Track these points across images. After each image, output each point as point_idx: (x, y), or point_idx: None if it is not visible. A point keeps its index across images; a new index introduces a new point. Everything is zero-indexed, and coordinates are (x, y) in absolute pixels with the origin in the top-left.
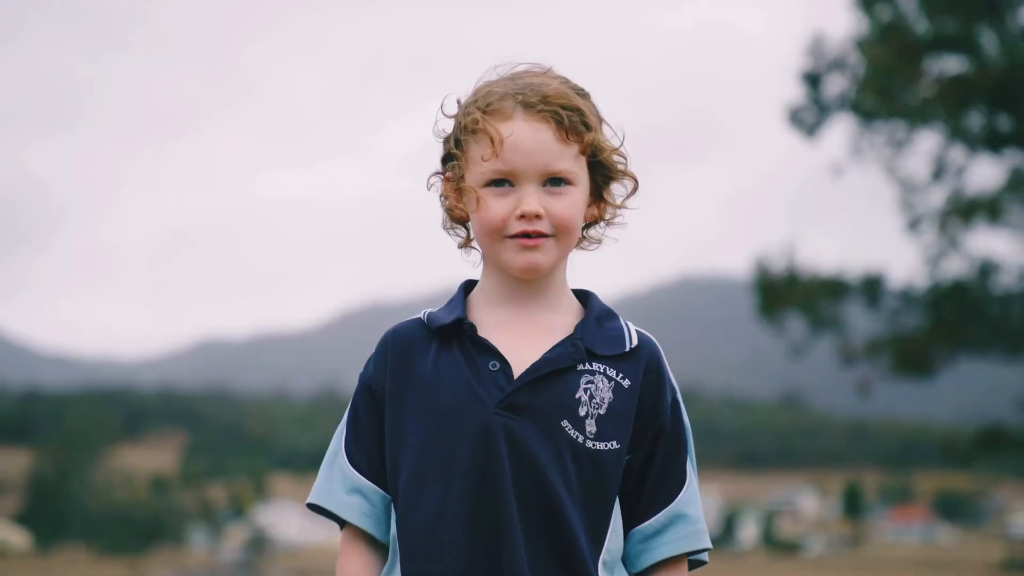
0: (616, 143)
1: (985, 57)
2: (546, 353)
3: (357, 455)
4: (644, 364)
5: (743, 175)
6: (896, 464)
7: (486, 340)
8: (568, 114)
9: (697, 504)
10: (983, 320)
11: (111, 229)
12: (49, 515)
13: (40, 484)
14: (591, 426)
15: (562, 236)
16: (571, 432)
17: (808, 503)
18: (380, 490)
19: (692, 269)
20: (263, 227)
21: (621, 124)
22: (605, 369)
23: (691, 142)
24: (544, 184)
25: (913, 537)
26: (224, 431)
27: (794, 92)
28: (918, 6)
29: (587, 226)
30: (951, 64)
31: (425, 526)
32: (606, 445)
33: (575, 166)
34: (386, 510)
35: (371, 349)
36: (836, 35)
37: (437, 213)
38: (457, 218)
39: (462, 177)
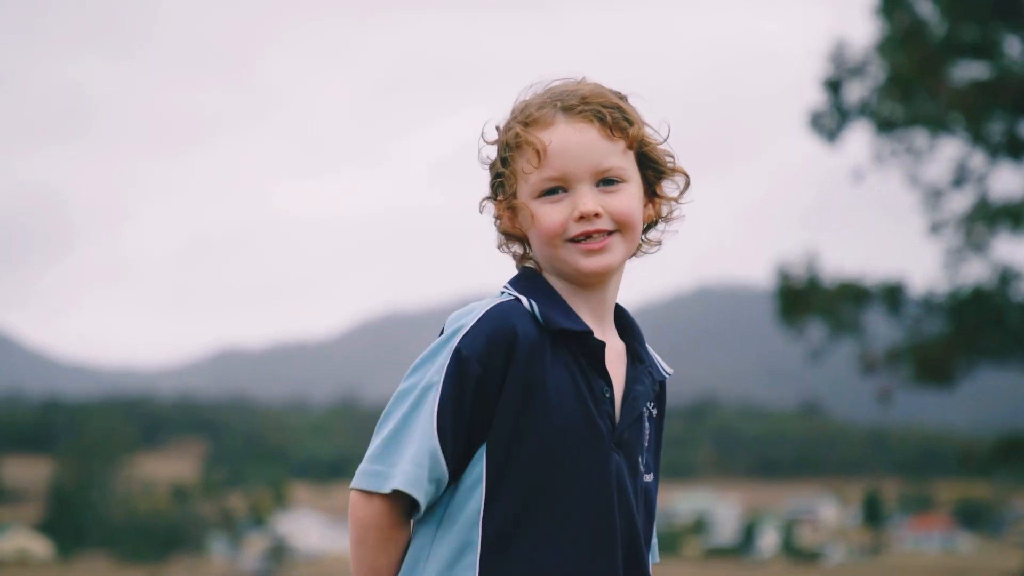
0: (662, 142)
1: (1006, 64)
2: (635, 384)
3: (452, 445)
4: (662, 393)
5: (763, 183)
6: (916, 473)
7: (603, 364)
8: (610, 111)
9: None
10: (1004, 328)
11: (131, 239)
12: (70, 524)
13: (61, 493)
14: (643, 459)
15: (625, 231)
16: (641, 466)
17: (828, 512)
18: (447, 477)
19: (711, 278)
20: (282, 237)
21: (665, 119)
22: (649, 405)
23: (710, 150)
24: (597, 185)
25: (933, 545)
26: (243, 440)
27: (815, 99)
28: (938, 12)
29: (646, 228)
30: (972, 71)
31: (529, 548)
32: (650, 477)
33: (625, 162)
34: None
35: (389, 358)
36: (858, 42)
37: (452, 224)
38: (513, 237)
39: (513, 195)
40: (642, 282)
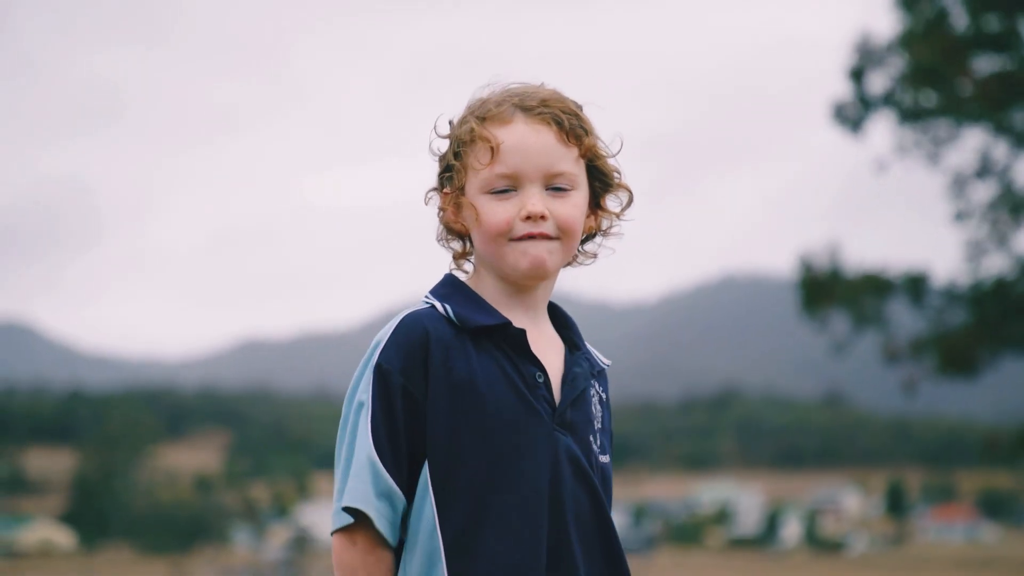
0: (612, 156)
1: None
2: (573, 367)
3: (392, 458)
4: (607, 378)
5: (789, 174)
6: (939, 462)
7: (532, 351)
8: (568, 117)
9: None
10: None
11: (156, 230)
12: (93, 515)
13: (84, 484)
14: (596, 440)
15: (566, 240)
16: (595, 447)
17: (851, 501)
18: (403, 498)
19: (735, 268)
20: (306, 228)
21: (618, 133)
22: (596, 385)
23: (736, 141)
24: (547, 188)
25: (956, 535)
26: (266, 431)
27: (839, 89)
28: (960, 3)
29: (584, 240)
30: (995, 62)
31: (505, 540)
32: (606, 459)
33: (576, 170)
34: (399, 516)
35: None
36: (882, 33)
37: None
38: (454, 232)
39: (461, 189)
40: (667, 272)
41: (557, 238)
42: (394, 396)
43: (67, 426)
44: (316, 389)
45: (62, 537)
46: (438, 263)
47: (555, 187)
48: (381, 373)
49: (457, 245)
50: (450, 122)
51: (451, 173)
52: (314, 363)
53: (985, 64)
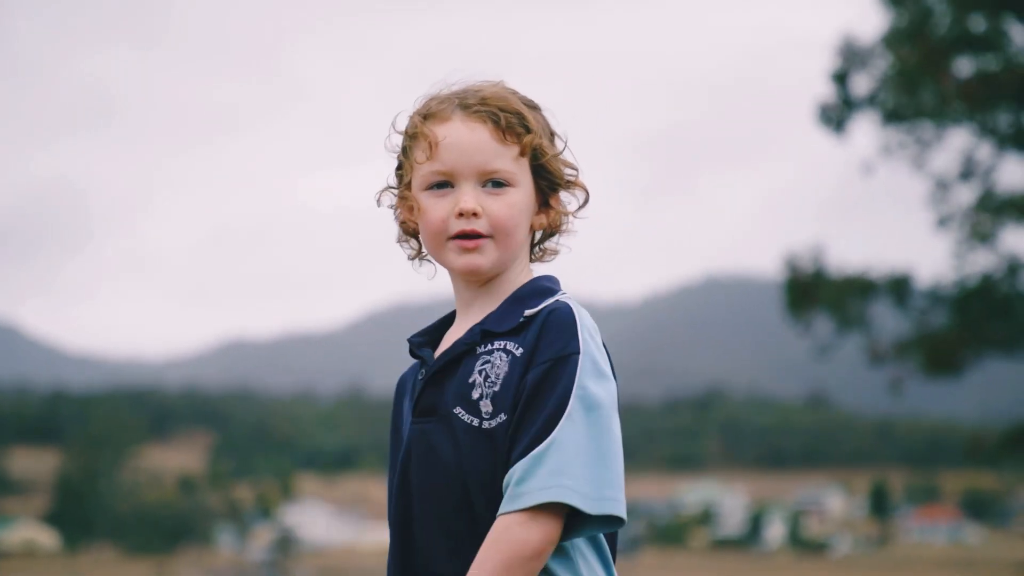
0: (565, 155)
1: (1013, 55)
2: (454, 343)
3: None
4: (537, 329)
5: (774, 176)
6: (922, 463)
7: (418, 350)
8: (506, 116)
9: (542, 469)
10: (1011, 319)
11: (147, 232)
12: (77, 515)
13: (68, 484)
14: (487, 406)
15: (500, 237)
16: (465, 418)
17: (834, 503)
18: None
19: (719, 269)
20: (297, 230)
21: (564, 133)
22: (505, 344)
23: (722, 143)
24: (485, 185)
25: (940, 536)
26: (250, 431)
27: (824, 91)
28: (945, 3)
29: (542, 238)
30: (979, 62)
31: (389, 550)
32: (498, 420)
33: (514, 167)
34: None
35: (397, 350)
36: (866, 34)
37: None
38: (410, 231)
39: (407, 185)
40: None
41: (490, 236)
42: None
43: (51, 426)
44: (300, 390)
45: (46, 537)
46: (425, 267)
47: (493, 184)
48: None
49: (413, 243)
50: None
51: (400, 171)
52: (298, 364)
53: (969, 65)
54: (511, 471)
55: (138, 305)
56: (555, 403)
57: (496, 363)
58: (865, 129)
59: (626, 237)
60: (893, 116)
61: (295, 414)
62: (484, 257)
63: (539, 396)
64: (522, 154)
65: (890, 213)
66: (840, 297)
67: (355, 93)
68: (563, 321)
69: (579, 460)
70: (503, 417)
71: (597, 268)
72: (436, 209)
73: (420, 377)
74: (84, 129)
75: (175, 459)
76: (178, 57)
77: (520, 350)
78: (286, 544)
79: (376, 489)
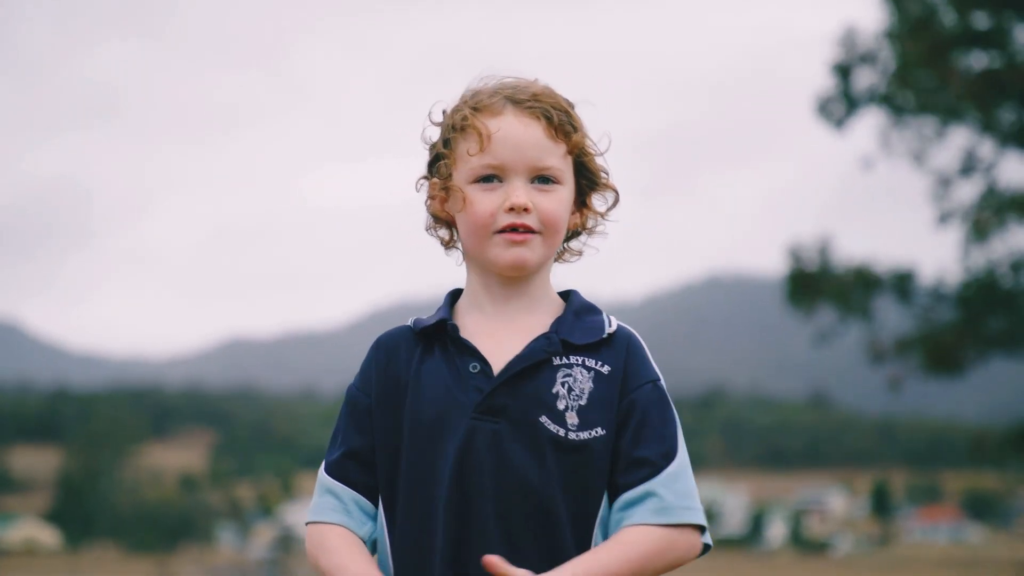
0: (600, 155)
1: (1016, 52)
2: (521, 351)
3: (338, 470)
4: (624, 350)
5: (776, 174)
6: (924, 463)
7: (467, 341)
8: (557, 113)
9: (678, 488)
10: (1014, 317)
11: (150, 229)
12: (78, 513)
13: (69, 482)
14: (572, 418)
15: (548, 234)
16: (552, 427)
17: (836, 502)
18: (358, 495)
19: (721, 268)
20: (301, 228)
21: (607, 133)
22: (584, 360)
23: (724, 141)
24: (533, 181)
25: (941, 536)
26: (251, 430)
27: (824, 84)
28: (947, 0)
29: (569, 237)
30: (981, 59)
31: (411, 534)
32: (590, 433)
33: (563, 165)
34: (362, 512)
35: None
36: (868, 28)
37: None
38: (441, 220)
39: (449, 176)
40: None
41: (539, 232)
42: (344, 408)
43: (52, 425)
44: (302, 389)
45: (47, 536)
46: (428, 264)
47: (540, 180)
48: (346, 392)
49: (444, 233)
50: (444, 111)
51: (441, 161)
52: (300, 363)
53: (972, 62)
54: (644, 486)
55: (140, 303)
56: (672, 425)
57: (578, 378)
58: (866, 123)
59: (627, 236)
60: (895, 111)
61: (296, 413)
62: (532, 252)
63: (653, 416)
64: (569, 153)
65: (892, 211)
66: (843, 290)
67: (358, 92)
68: (641, 345)
69: (693, 483)
70: (600, 431)
71: (598, 267)
72: (484, 202)
73: (475, 369)
74: (87, 127)
75: (176, 458)
76: (180, 55)
77: (607, 368)
78: (287, 543)
79: None
